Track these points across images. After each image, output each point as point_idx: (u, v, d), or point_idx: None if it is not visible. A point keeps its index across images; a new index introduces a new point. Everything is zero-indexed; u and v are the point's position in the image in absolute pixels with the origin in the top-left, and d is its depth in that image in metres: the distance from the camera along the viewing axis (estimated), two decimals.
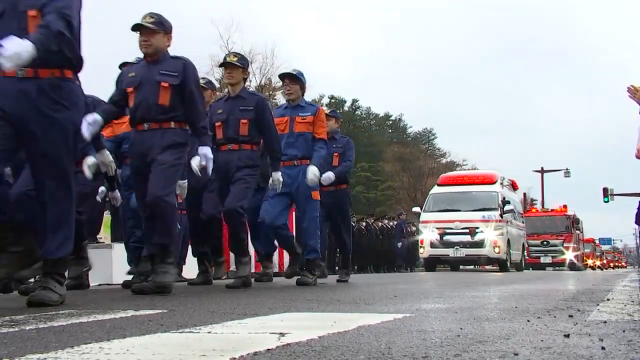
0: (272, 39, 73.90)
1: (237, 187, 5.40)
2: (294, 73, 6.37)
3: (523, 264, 19.91)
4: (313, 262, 6.21)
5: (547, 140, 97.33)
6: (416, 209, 18.94)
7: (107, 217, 10.25)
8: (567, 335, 2.20)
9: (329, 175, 6.83)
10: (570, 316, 2.98)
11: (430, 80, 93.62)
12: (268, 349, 1.86)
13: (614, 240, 71.18)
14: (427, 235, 17.29)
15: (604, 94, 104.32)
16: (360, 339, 2.10)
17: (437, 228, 17.05)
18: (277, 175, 5.67)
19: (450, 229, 16.89)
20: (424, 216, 17.86)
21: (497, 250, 16.46)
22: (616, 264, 61.89)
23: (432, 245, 17.17)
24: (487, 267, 19.62)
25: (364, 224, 20.14)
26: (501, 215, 16.87)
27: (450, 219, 16.99)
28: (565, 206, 29.43)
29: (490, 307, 3.52)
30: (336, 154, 7.21)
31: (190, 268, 10.56)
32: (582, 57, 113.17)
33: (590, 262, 37.88)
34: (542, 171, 40.28)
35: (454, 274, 13.77)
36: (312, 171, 5.90)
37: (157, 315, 3.01)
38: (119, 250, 9.66)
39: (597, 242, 51.12)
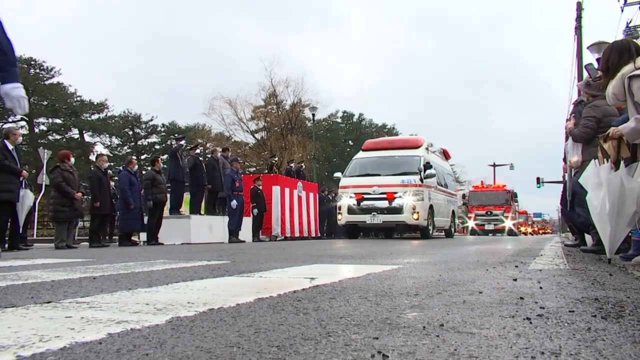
0: (302, 69, 73.97)
1: None
2: None
3: (453, 231, 14.47)
4: None
5: (498, 143, 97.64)
6: (337, 174, 12.60)
7: (187, 196, 10.34)
8: (515, 280, 2.17)
9: None
10: (516, 266, 2.93)
11: (415, 100, 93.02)
12: (303, 289, 1.84)
13: (543, 214, 71.29)
14: (345, 201, 11.76)
15: (538, 110, 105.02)
16: (369, 282, 2.08)
17: (355, 194, 11.61)
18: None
19: (369, 194, 11.48)
20: (343, 181, 12.06)
21: (415, 216, 11.13)
22: (544, 231, 61.26)
23: (350, 211, 11.64)
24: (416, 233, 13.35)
25: None
26: (421, 180, 11.43)
27: (368, 183, 11.59)
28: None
29: (459, 261, 3.47)
30: None
31: (246, 234, 10.65)
32: (522, 83, 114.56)
33: (523, 229, 37.36)
34: (494, 165, 40.07)
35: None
36: None
37: (223, 265, 3.02)
38: (195, 220, 9.79)
39: (529, 214, 50.47)
